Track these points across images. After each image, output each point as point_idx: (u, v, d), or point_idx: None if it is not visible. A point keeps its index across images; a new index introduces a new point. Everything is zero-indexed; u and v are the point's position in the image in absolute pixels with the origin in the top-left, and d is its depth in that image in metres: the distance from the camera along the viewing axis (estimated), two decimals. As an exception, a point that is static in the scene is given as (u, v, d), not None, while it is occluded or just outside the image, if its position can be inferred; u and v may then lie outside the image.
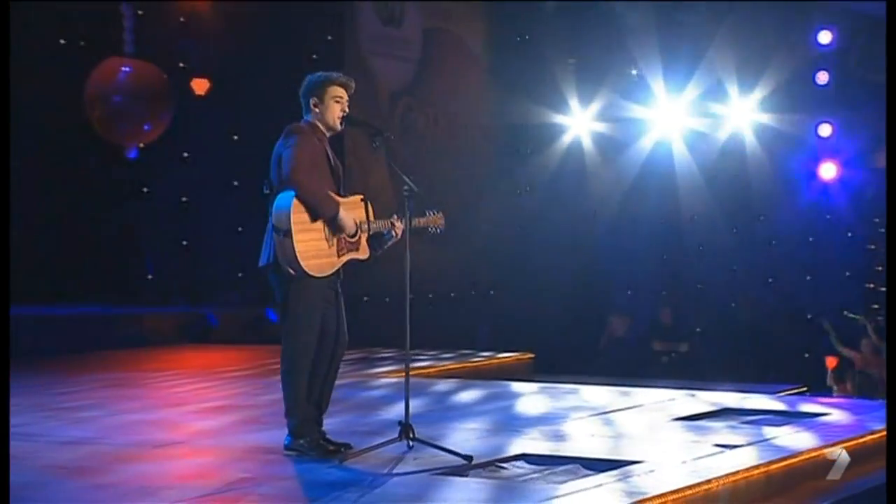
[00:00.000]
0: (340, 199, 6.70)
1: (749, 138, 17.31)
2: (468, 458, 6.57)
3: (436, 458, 6.65)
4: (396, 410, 8.46)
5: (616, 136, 18.45)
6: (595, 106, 18.12)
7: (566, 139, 18.50)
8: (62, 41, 15.95)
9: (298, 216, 6.48)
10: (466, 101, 18.12)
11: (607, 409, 9.05)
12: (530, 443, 7.46)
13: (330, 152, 6.87)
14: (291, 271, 6.47)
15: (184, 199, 15.92)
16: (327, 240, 6.60)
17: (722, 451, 7.13)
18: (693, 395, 9.88)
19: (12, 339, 12.23)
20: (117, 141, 15.35)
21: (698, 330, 17.98)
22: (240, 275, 15.44)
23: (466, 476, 6.40)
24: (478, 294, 18.06)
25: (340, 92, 6.84)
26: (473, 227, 18.14)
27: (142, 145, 15.55)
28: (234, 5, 15.40)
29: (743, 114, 17.09)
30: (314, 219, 6.53)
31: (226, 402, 9.58)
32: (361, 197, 6.95)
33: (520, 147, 19.01)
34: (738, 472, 6.61)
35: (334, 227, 6.60)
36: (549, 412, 8.96)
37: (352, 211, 6.79)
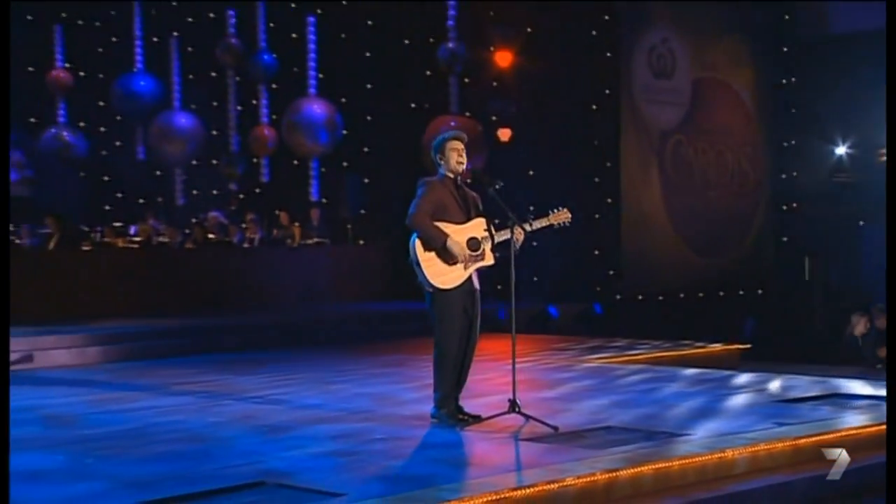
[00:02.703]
0: (458, 227, 7.09)
1: None
2: (555, 427, 6.91)
3: (530, 427, 6.96)
4: (555, 390, 9.01)
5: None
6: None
7: (831, 161, 18.57)
8: (412, 105, 17.59)
9: (421, 248, 7.04)
10: (732, 135, 18.13)
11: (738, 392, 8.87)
12: (641, 418, 7.53)
13: (456, 191, 7.27)
14: (429, 289, 7.06)
15: (496, 220, 17.22)
16: (452, 259, 7.06)
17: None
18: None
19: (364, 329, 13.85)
20: None
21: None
22: (535, 279, 16.43)
23: (538, 441, 6.65)
24: (746, 293, 18.07)
25: (456, 144, 7.28)
26: (740, 238, 18.68)
27: (465, 181, 17.16)
28: (531, 69, 16.10)
29: None
30: (428, 250, 7.03)
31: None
32: (483, 219, 7.26)
33: (784, 169, 18.94)
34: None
35: (444, 255, 7.02)
36: (682, 392, 8.88)
37: (471, 231, 7.16)
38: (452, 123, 16.21)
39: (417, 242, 7.10)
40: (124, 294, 14.05)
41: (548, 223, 7.52)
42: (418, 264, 7.09)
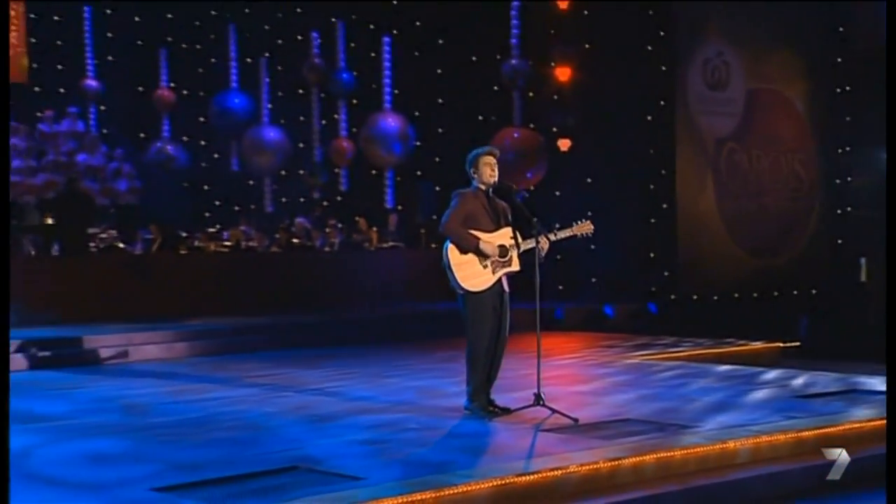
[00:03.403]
0: (488, 235, 7.24)
1: None
2: (575, 419, 7.07)
3: (554, 419, 7.07)
4: (589, 385, 9.12)
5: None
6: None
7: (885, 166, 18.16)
8: (480, 117, 17.67)
9: (453, 254, 7.21)
10: (787, 142, 17.94)
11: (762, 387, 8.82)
12: (660, 411, 7.58)
13: (487, 202, 7.36)
14: (460, 291, 7.26)
15: (556, 225, 17.33)
16: (482, 264, 7.23)
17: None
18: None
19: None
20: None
21: None
22: (594, 280, 16.54)
23: (556, 432, 6.77)
24: (800, 293, 17.91)
25: (489, 159, 7.36)
26: (795, 240, 18.48)
27: (529, 188, 16.76)
28: (589, 83, 16.23)
29: None
30: (463, 252, 7.21)
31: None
32: (511, 228, 7.39)
33: (839, 174, 18.69)
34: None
35: (479, 254, 7.19)
36: (704, 388, 8.85)
37: (499, 239, 7.30)
38: (516, 135, 16.59)
39: (450, 248, 7.28)
40: (213, 294, 14.49)
41: (571, 234, 7.63)
42: (450, 268, 7.27)
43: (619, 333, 13.86)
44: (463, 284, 7.29)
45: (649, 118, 16.05)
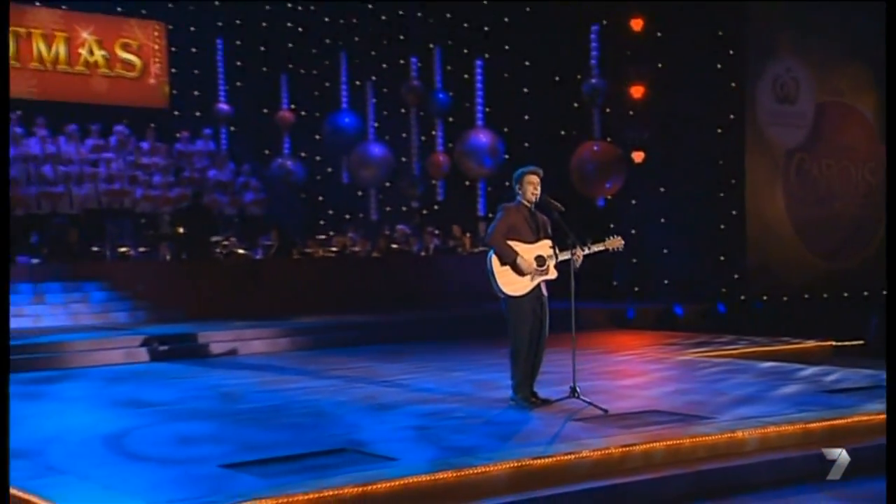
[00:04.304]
0: (528, 246, 7.44)
1: None
2: (605, 410, 7.26)
3: (588, 410, 7.21)
4: (633, 379, 9.19)
5: None
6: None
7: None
8: (562, 132, 17.97)
9: (496, 262, 7.49)
10: (856, 151, 17.67)
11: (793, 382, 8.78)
12: (689, 404, 7.63)
13: (529, 216, 7.57)
14: (501, 295, 7.55)
15: (632, 231, 16.49)
16: (521, 271, 7.46)
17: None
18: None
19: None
20: (591, 194, 16.68)
21: None
22: (665, 281, 16.65)
23: (585, 421, 6.92)
24: (870, 294, 17.55)
25: (533, 179, 7.56)
26: (865, 244, 18.12)
27: (607, 196, 17.03)
28: (662, 99, 16.30)
29: None
30: (503, 265, 7.49)
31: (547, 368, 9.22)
32: (549, 240, 7.56)
33: None
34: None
35: (515, 270, 7.45)
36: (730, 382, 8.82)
37: (538, 250, 7.50)
38: (595, 148, 16.75)
39: (494, 257, 7.56)
40: (319, 295, 15.07)
41: (603, 248, 7.79)
42: (493, 275, 7.56)
43: (684, 332, 13.84)
44: (504, 289, 7.56)
45: (719, 131, 16.02)
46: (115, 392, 9.09)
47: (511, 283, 7.57)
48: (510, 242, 7.58)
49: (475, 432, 6.80)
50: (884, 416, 7.09)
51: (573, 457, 6.09)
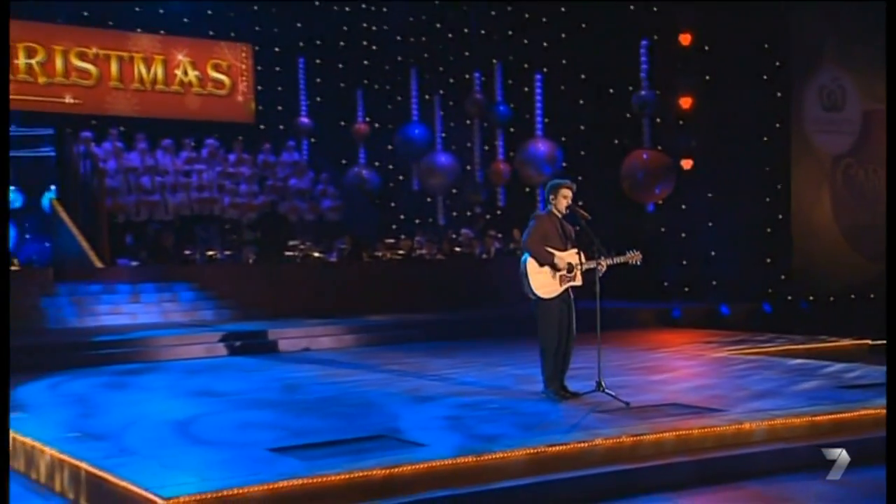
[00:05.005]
0: (560, 252, 7.70)
1: None
2: (626, 403, 7.45)
3: (608, 403, 7.39)
4: (664, 374, 9.19)
5: None
6: None
7: None
8: (615, 141, 17.86)
9: (531, 265, 7.74)
10: None
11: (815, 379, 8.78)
12: (709, 398, 7.70)
13: (560, 225, 7.81)
14: (532, 296, 7.81)
15: (682, 234, 16.93)
16: (552, 276, 7.75)
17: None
18: None
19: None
20: (641, 200, 16.76)
21: None
22: (714, 282, 16.53)
23: (607, 413, 7.07)
24: None
25: (566, 192, 7.81)
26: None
27: (657, 202, 16.99)
28: (709, 110, 16.28)
29: None
30: (540, 265, 7.73)
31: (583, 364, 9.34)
32: (577, 249, 7.79)
33: None
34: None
35: (553, 267, 7.69)
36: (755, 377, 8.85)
37: (568, 257, 7.75)
38: (645, 156, 16.77)
39: (530, 261, 7.81)
40: (385, 294, 15.44)
41: (624, 260, 8.02)
42: (527, 276, 7.82)
43: (726, 331, 13.80)
44: (536, 291, 7.84)
45: (765, 139, 15.92)
46: (190, 383, 9.56)
47: (542, 286, 7.83)
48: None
49: (502, 422, 7.01)
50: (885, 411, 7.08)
51: (586, 445, 6.30)
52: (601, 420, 6.97)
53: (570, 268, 7.84)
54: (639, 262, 8.06)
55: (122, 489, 5.48)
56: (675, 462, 6.33)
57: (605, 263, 7.83)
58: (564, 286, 7.87)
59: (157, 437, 6.80)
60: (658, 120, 17.09)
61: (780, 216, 15.97)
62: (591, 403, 7.55)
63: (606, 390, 7.74)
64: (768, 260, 16.07)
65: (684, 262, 16.88)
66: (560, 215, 7.93)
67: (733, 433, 6.71)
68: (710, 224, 16.36)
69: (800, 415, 7.06)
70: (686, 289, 16.47)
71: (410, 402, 7.96)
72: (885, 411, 7.07)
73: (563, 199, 7.86)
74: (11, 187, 19.20)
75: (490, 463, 5.97)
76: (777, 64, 16.03)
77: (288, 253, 15.98)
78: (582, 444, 6.31)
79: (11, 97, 17.42)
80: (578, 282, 7.92)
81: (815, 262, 16.37)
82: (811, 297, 16.01)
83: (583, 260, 7.85)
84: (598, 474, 6.11)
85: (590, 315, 7.93)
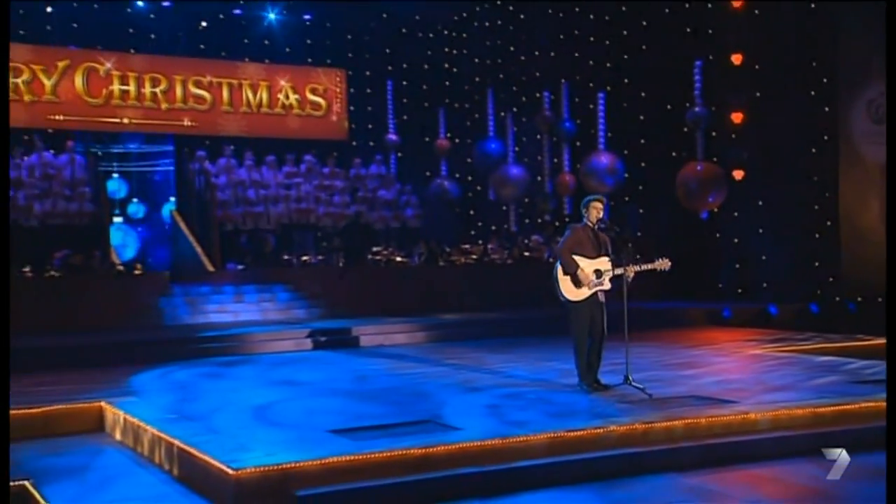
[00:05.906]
0: (589, 260, 7.97)
1: None
2: (649, 395, 7.71)
3: (633, 395, 7.56)
4: (695, 370, 9.23)
5: None
6: None
7: None
8: (672, 153, 17.83)
9: (561, 271, 8.13)
10: None
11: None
12: (728, 390, 7.75)
13: (594, 235, 8.09)
14: (562, 299, 8.17)
15: (735, 240, 16.82)
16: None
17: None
18: None
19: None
20: (694, 208, 16.78)
21: None
22: (764, 284, 16.60)
23: (630, 403, 7.23)
24: None
25: (598, 205, 8.13)
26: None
27: (711, 210, 16.98)
28: (759, 124, 16.23)
29: None
30: (566, 274, 8.10)
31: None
32: (608, 257, 8.08)
33: None
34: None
35: (574, 281, 8.06)
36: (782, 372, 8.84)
37: (597, 265, 8.01)
38: (699, 167, 16.83)
39: (559, 267, 8.20)
40: (458, 295, 15.97)
41: (652, 267, 8.21)
42: (557, 281, 8.20)
43: (770, 329, 13.77)
44: (566, 295, 8.21)
45: (813, 150, 15.83)
46: (276, 374, 10.16)
47: (571, 290, 8.21)
48: (575, 257, 8.20)
49: (534, 410, 7.35)
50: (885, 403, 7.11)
51: (602, 430, 6.64)
52: (621, 409, 7.22)
53: (599, 274, 8.14)
54: (667, 269, 8.21)
55: (203, 462, 6.14)
56: (681, 447, 6.61)
57: (632, 270, 8.11)
58: (593, 290, 8.18)
59: (239, 419, 7.40)
60: (714, 134, 17.10)
61: (829, 222, 15.84)
62: (617, 395, 7.82)
63: (633, 383, 8.02)
64: (817, 263, 15.95)
65: (737, 266, 16.87)
66: (592, 226, 8.27)
67: (739, 422, 6.91)
68: (761, 231, 16.35)
69: (804, 406, 7.22)
70: (739, 290, 16.51)
71: (459, 392, 8.29)
72: (884, 403, 7.18)
73: (594, 211, 8.19)
74: (134, 199, 20.56)
75: (514, 445, 6.37)
76: (824, 80, 15.88)
77: (372, 258, 16.58)
78: (598, 430, 6.65)
79: (140, 122, 18.94)
80: (607, 286, 8.22)
81: (864, 266, 16.15)
82: (860, 299, 15.80)
83: (612, 267, 8.17)
84: (609, 456, 6.46)
85: (635, 315, 8.13)
